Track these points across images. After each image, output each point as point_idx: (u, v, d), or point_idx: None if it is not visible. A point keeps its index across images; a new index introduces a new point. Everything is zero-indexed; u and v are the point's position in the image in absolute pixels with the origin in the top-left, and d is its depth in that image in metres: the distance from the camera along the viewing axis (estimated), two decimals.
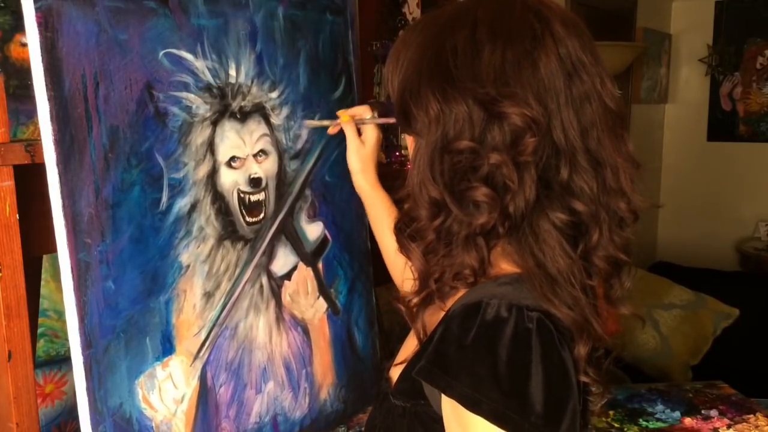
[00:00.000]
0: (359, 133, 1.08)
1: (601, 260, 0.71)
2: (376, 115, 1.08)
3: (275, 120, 1.06)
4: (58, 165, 0.77)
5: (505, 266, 0.72)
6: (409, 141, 0.78)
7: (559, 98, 0.67)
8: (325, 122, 1.11)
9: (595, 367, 0.72)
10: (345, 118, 1.08)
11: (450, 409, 0.66)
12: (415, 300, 0.73)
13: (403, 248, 0.74)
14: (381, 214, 1.07)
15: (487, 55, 0.67)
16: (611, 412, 1.70)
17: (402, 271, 1.02)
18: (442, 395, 0.66)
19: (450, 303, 0.71)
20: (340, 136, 1.10)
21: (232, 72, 0.98)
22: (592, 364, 0.71)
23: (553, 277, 0.68)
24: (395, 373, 0.80)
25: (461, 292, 0.71)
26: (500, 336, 0.63)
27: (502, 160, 0.66)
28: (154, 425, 0.89)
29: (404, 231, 0.74)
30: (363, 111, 1.08)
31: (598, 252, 0.71)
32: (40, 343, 0.96)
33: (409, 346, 0.78)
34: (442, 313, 0.71)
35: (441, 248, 0.71)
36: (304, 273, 1.12)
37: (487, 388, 0.62)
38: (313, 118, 1.11)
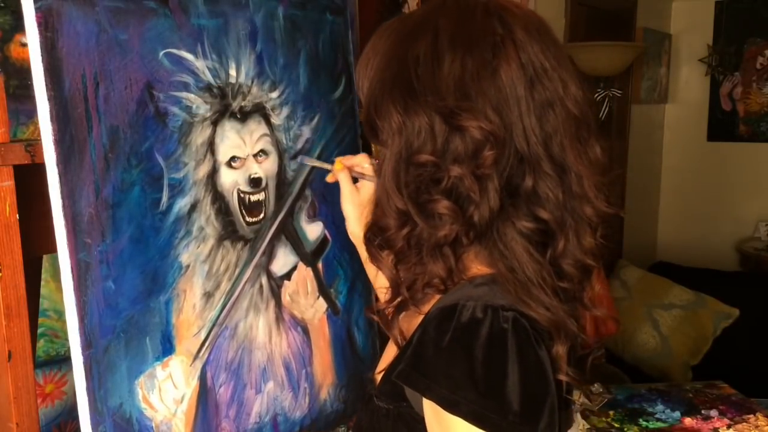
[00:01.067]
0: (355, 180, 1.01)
1: (569, 265, 0.71)
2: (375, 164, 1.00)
3: (275, 120, 1.06)
4: (58, 165, 0.77)
5: (480, 267, 0.72)
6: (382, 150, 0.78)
7: (521, 106, 0.67)
8: (326, 165, 1.04)
9: (576, 366, 0.72)
10: (339, 167, 1.00)
11: (430, 410, 0.67)
12: (389, 310, 0.74)
13: (373, 258, 0.74)
14: None
15: (447, 66, 0.67)
16: (611, 412, 1.71)
17: None
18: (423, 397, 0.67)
19: (428, 307, 0.72)
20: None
21: (233, 72, 0.98)
22: (572, 364, 0.71)
23: (523, 281, 0.68)
24: (380, 375, 0.81)
25: (439, 296, 0.71)
26: (476, 337, 0.64)
27: (463, 172, 0.66)
28: (154, 425, 0.89)
29: (373, 240, 0.74)
30: (362, 160, 1.01)
31: (566, 258, 0.71)
32: (40, 343, 0.96)
33: (391, 351, 0.78)
34: (421, 318, 0.72)
35: (412, 256, 0.71)
36: (304, 273, 1.12)
37: (465, 389, 0.62)
38: (313, 119, 1.11)
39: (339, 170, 1.00)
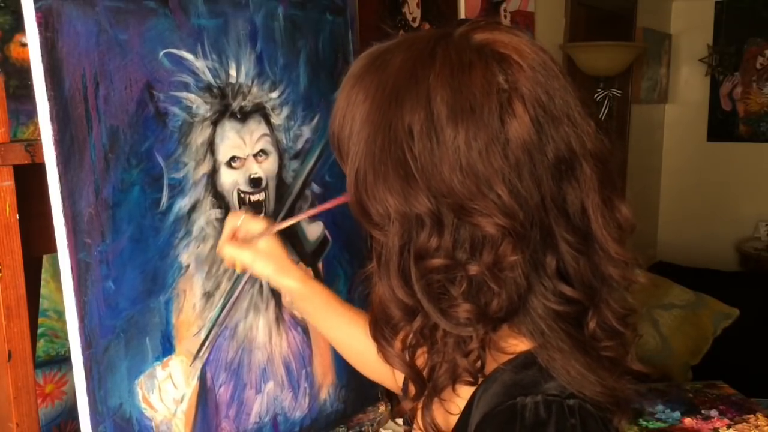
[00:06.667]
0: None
1: (606, 336, 0.65)
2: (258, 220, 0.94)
3: (275, 120, 1.06)
4: (58, 165, 0.77)
5: (514, 342, 0.65)
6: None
7: (537, 172, 0.58)
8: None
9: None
10: (228, 255, 0.92)
11: None
12: (419, 405, 0.67)
13: (384, 355, 0.66)
14: (325, 305, 0.93)
15: (449, 142, 0.57)
16: None
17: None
18: None
19: (463, 389, 0.66)
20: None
21: (233, 72, 0.98)
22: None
23: (569, 358, 0.62)
24: None
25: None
26: None
27: (481, 270, 0.58)
28: (154, 425, 0.89)
29: (383, 334, 0.65)
30: (231, 227, 0.92)
31: (602, 330, 0.64)
32: (40, 343, 0.96)
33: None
34: (454, 399, 0.66)
35: (426, 344, 0.64)
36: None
37: None
38: (313, 119, 1.11)
39: (231, 253, 0.91)
